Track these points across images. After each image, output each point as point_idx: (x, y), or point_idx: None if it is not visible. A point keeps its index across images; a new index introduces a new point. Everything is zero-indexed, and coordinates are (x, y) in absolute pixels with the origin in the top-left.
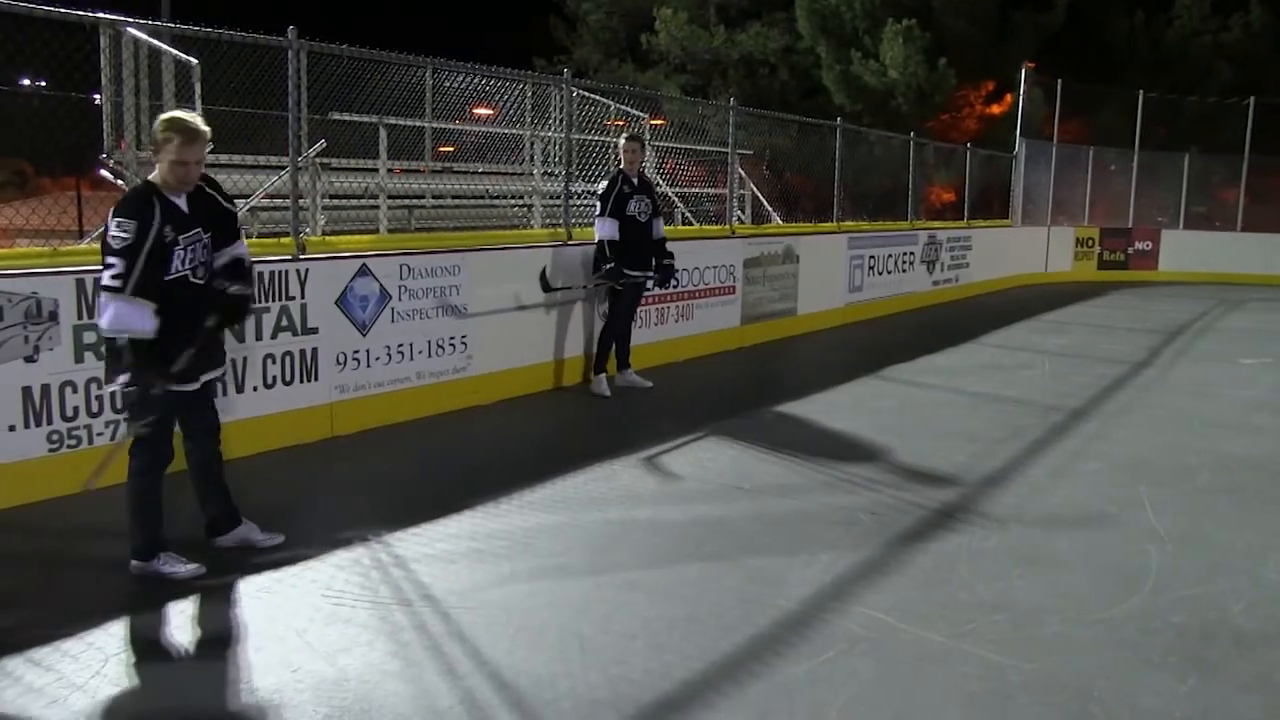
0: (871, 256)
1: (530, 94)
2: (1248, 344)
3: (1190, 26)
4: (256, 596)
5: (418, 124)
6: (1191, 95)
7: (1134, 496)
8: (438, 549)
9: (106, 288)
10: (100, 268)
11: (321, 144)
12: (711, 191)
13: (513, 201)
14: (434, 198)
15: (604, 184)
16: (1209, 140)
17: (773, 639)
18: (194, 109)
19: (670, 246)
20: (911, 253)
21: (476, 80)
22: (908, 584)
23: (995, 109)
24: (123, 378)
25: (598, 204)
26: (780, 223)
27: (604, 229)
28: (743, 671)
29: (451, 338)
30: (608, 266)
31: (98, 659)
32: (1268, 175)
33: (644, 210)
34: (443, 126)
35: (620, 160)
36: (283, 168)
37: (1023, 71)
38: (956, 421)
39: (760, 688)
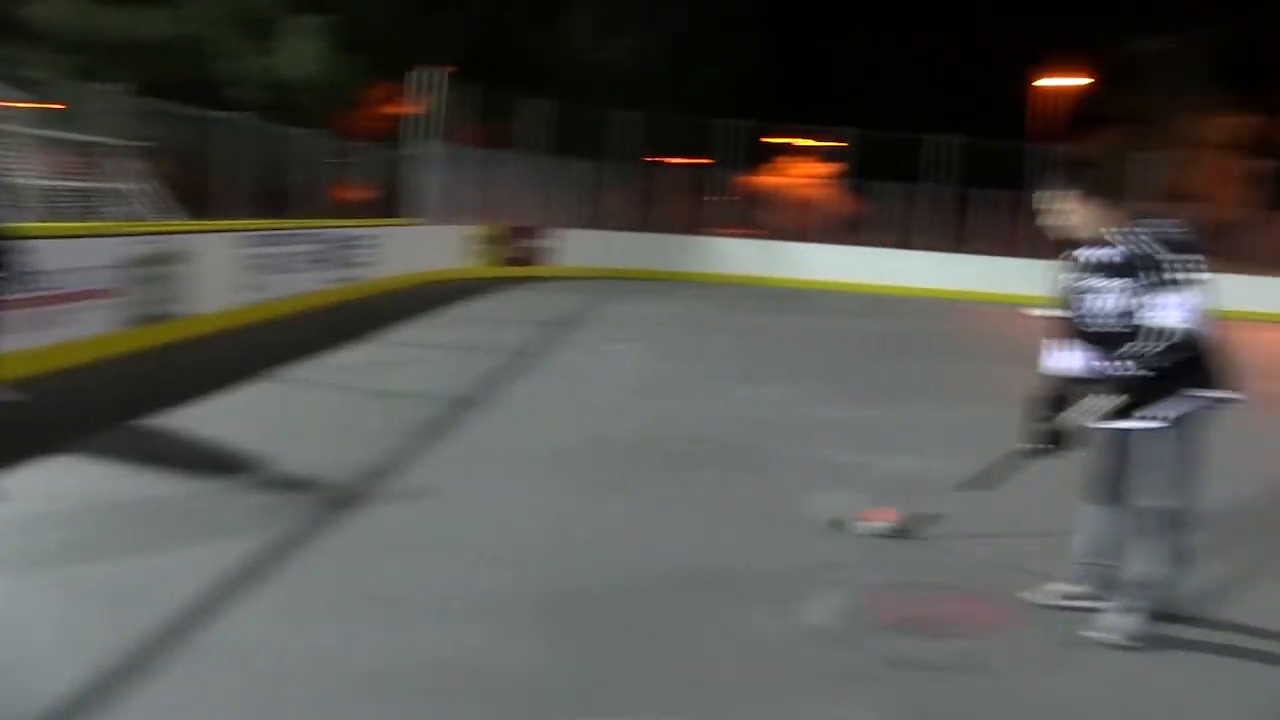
0: (274, 255)
1: None
2: (627, 332)
3: (586, 41)
4: None
5: None
6: (588, 105)
7: (515, 480)
8: None
9: None
10: None
11: None
12: (96, 186)
13: None
14: None
15: None
16: (601, 147)
17: (139, 657)
18: None
19: (44, 245)
20: (318, 251)
21: None
22: (290, 586)
23: (408, 109)
24: None
25: None
26: (175, 220)
27: None
28: (110, 694)
29: None
30: None
31: None
32: (649, 180)
33: None
34: None
35: None
36: None
37: (436, 74)
38: (350, 419)
39: (129, 709)
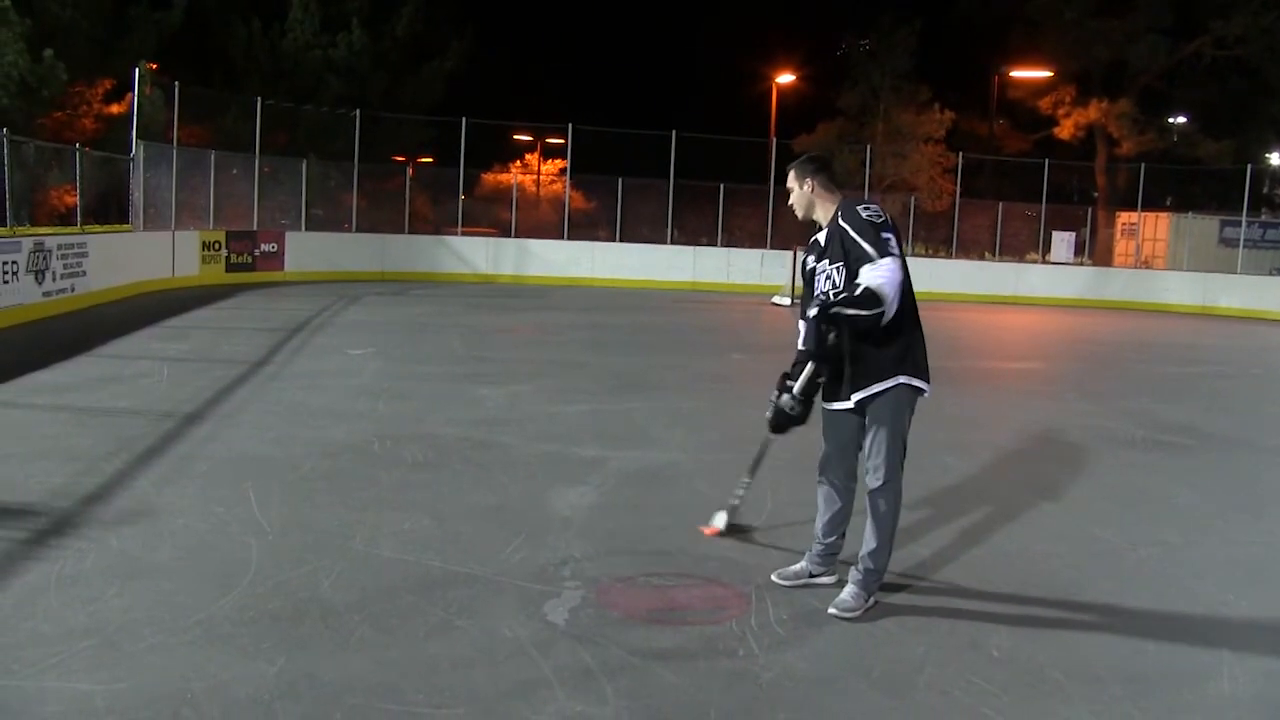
0: None
1: None
2: (358, 336)
3: (303, 40)
4: None
5: None
6: (307, 105)
7: (241, 493)
8: None
9: None
10: None
11: None
12: None
13: None
14: None
15: None
16: (324, 147)
17: None
18: None
19: None
20: (15, 262)
21: None
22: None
23: (115, 109)
24: None
25: None
26: None
27: None
28: None
29: None
30: None
31: None
32: (376, 180)
33: None
34: None
35: None
36: None
37: (140, 71)
38: (59, 441)
39: None
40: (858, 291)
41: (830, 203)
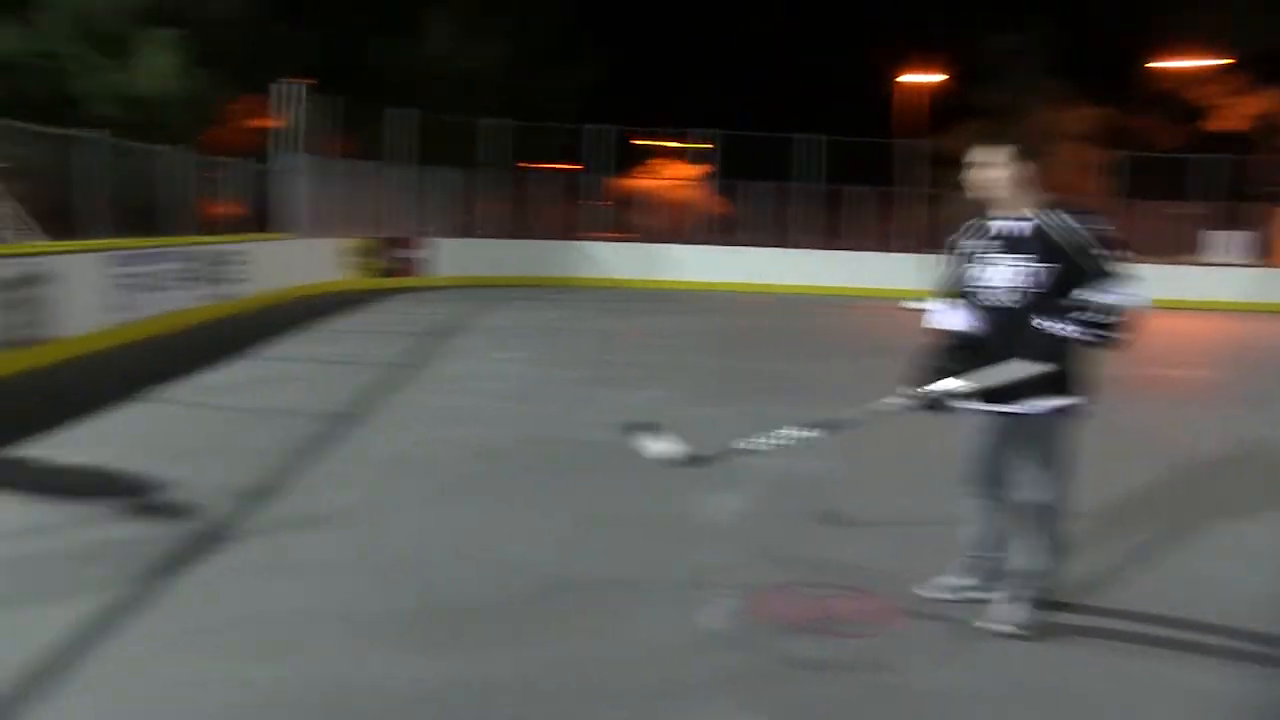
0: (142, 274)
1: None
2: (501, 340)
3: (447, 50)
4: None
5: None
6: (452, 114)
7: (395, 493)
8: None
9: None
10: None
11: None
12: None
13: None
14: None
15: None
16: (469, 156)
17: (11, 699)
18: None
19: None
20: (187, 268)
21: None
22: (164, 614)
23: (272, 122)
24: None
25: None
26: (36, 241)
27: None
28: None
29: None
30: None
31: None
32: (518, 187)
33: None
34: None
35: None
36: None
37: (297, 86)
38: (230, 439)
39: None
40: (1115, 311)
41: (1030, 195)
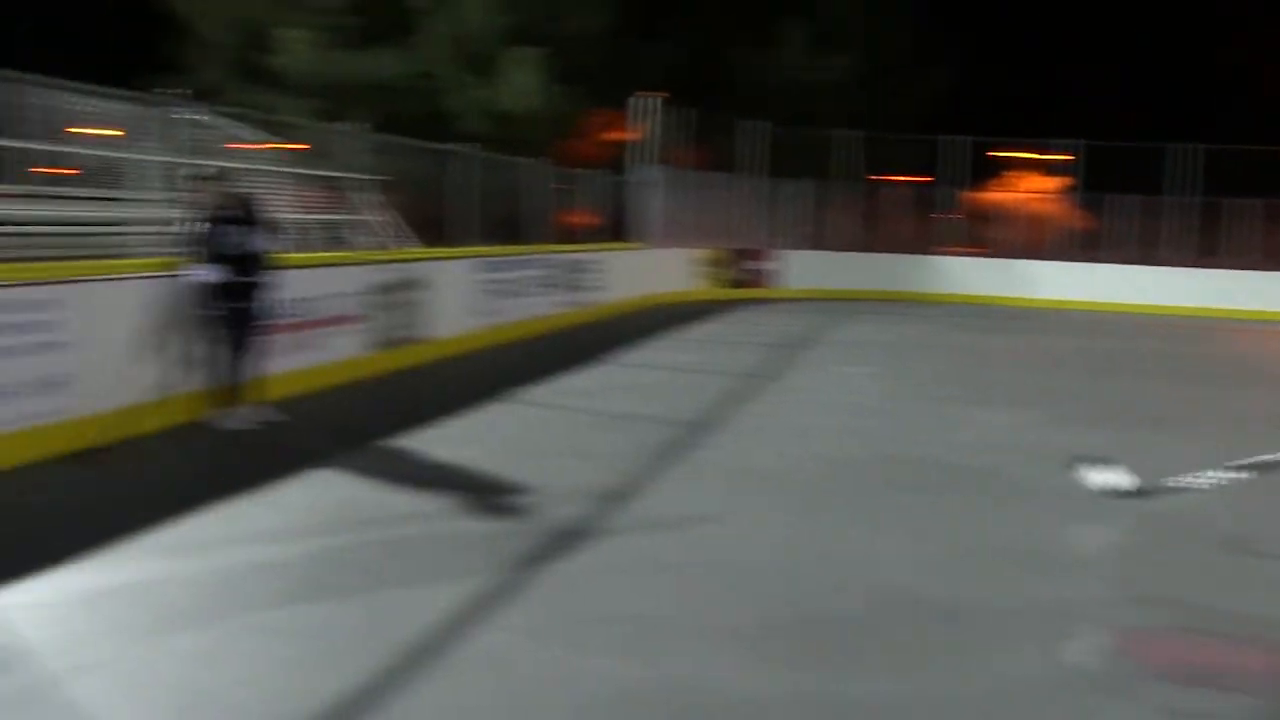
0: (506, 280)
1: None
2: (852, 353)
3: (798, 62)
4: None
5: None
6: (804, 126)
7: (752, 503)
8: (44, 604)
9: None
10: None
11: None
12: (342, 218)
13: (116, 229)
14: (16, 224)
15: (198, 224)
16: (820, 168)
17: (397, 671)
18: None
19: (298, 274)
20: (547, 275)
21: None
22: (534, 604)
23: (627, 135)
24: None
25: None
26: (413, 248)
27: (205, 273)
28: (365, 708)
29: (53, 377)
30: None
31: None
32: (869, 199)
33: (242, 238)
34: (37, 147)
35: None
36: None
37: (652, 100)
38: (588, 441)
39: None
40: None
41: None
